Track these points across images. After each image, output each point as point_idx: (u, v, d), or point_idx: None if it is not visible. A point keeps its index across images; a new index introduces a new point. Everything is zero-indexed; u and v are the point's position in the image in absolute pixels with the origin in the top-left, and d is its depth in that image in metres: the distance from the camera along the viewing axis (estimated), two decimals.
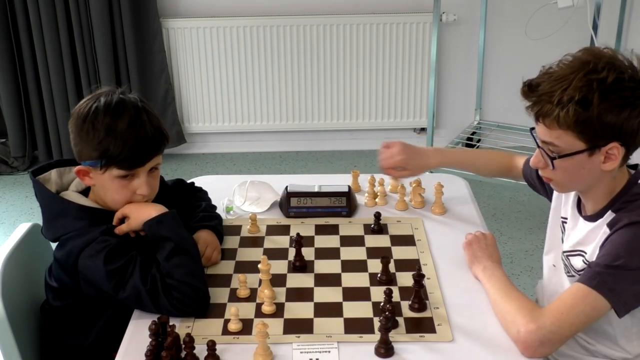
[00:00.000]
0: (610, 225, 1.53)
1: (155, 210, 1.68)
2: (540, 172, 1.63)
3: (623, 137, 1.47)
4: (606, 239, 1.52)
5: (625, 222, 1.49)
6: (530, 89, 1.52)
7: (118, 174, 1.66)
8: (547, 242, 1.78)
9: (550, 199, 1.85)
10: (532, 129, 1.59)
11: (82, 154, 1.67)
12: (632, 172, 1.60)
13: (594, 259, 1.54)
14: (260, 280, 1.66)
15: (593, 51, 1.50)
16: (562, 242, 1.70)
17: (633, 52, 1.51)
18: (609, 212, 1.56)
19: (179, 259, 1.62)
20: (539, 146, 1.56)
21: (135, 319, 1.60)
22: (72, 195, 1.74)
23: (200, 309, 1.61)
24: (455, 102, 4.32)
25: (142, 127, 1.66)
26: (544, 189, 1.86)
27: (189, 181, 2.02)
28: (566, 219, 1.70)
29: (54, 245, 1.77)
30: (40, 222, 1.79)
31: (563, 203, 1.72)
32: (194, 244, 1.68)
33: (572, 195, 1.69)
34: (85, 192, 1.78)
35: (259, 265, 1.65)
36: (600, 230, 1.56)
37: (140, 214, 1.68)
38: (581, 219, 1.64)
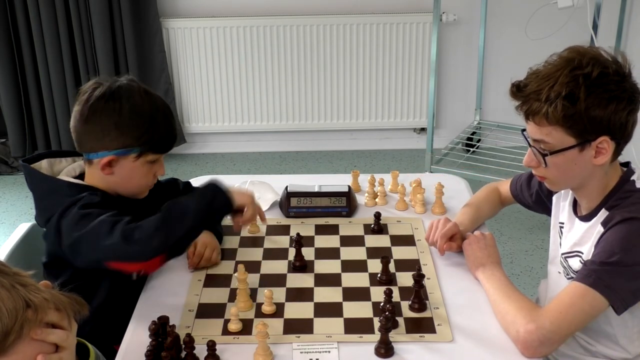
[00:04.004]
0: (604, 223, 1.54)
1: (236, 195, 1.64)
2: (533, 171, 1.64)
3: (612, 130, 1.49)
4: (601, 237, 1.53)
5: (619, 219, 1.50)
6: (518, 89, 1.55)
7: (152, 158, 1.72)
8: (550, 251, 1.78)
9: (542, 208, 1.86)
10: (523, 130, 1.61)
11: (110, 144, 1.67)
12: (624, 169, 1.61)
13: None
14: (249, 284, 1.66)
15: (577, 49, 1.53)
16: (560, 246, 1.71)
17: (617, 50, 1.54)
18: (603, 210, 1.57)
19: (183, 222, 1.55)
20: (530, 145, 1.58)
21: (135, 319, 1.61)
22: (62, 177, 1.75)
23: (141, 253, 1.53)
24: (455, 102, 4.32)
25: (170, 112, 1.76)
26: (536, 204, 1.87)
27: (184, 181, 2.01)
28: (563, 223, 1.71)
29: None
30: None
31: (560, 210, 1.73)
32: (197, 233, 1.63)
33: (568, 199, 1.70)
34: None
35: (236, 274, 1.62)
36: (595, 229, 1.57)
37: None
38: (577, 219, 1.65)
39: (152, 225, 1.53)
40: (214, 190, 1.61)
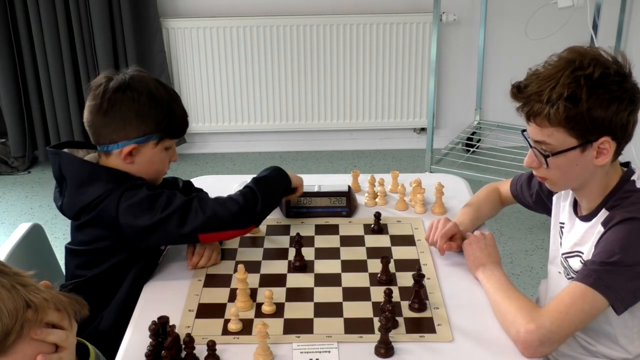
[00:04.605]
0: (604, 223, 1.54)
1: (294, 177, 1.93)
2: (534, 172, 1.64)
3: (613, 131, 1.49)
4: (601, 237, 1.53)
5: (619, 219, 1.50)
6: (519, 90, 1.54)
7: (169, 144, 1.79)
8: (550, 251, 1.78)
9: (542, 208, 1.86)
10: (524, 130, 1.61)
11: (131, 133, 1.72)
12: (625, 169, 1.61)
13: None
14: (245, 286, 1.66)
15: (577, 50, 1.52)
16: (561, 246, 1.71)
17: (617, 50, 1.54)
18: (603, 210, 1.57)
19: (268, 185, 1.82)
20: (531, 146, 1.57)
21: (135, 319, 1.61)
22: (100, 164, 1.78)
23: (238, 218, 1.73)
24: (455, 102, 4.32)
25: (179, 98, 1.83)
26: (536, 204, 1.87)
27: (185, 180, 2.02)
28: (563, 223, 1.71)
29: (57, 242, 1.77)
30: (40, 221, 1.79)
31: (561, 210, 1.73)
32: (277, 203, 1.90)
33: (568, 199, 1.70)
34: None
35: (236, 274, 1.63)
36: (595, 229, 1.57)
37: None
38: (577, 220, 1.65)
39: (250, 197, 1.74)
40: (284, 174, 1.90)
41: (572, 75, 1.47)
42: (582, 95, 1.45)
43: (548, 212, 1.80)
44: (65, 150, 1.79)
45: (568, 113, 1.46)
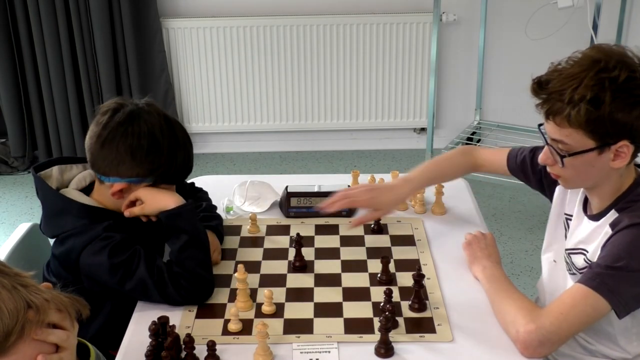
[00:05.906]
0: (612, 225, 1.52)
1: (172, 201, 1.68)
2: (548, 169, 1.61)
3: (633, 135, 1.47)
4: (608, 240, 1.52)
5: (627, 223, 1.49)
6: (540, 86, 1.50)
7: (164, 187, 1.71)
8: (546, 239, 1.77)
9: (541, 191, 1.83)
10: (540, 125, 1.57)
11: (124, 172, 1.65)
12: (639, 170, 1.60)
13: (595, 258, 1.54)
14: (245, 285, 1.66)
15: (603, 49, 1.49)
16: (566, 238, 1.70)
17: None
18: (613, 211, 1.55)
19: (192, 251, 1.64)
20: (547, 143, 1.55)
21: (135, 319, 1.61)
22: (73, 193, 1.74)
23: (205, 296, 1.64)
24: (455, 102, 4.32)
25: (190, 145, 1.74)
26: (536, 181, 1.82)
27: (188, 181, 2.02)
28: (571, 216, 1.69)
29: (52, 242, 1.77)
30: (39, 221, 1.78)
31: (568, 200, 1.71)
32: (206, 235, 1.71)
33: (579, 193, 1.67)
34: (85, 190, 1.77)
35: (236, 274, 1.63)
36: (602, 229, 1.56)
37: (157, 201, 1.68)
38: (585, 218, 1.64)
39: (198, 270, 1.63)
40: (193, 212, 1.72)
41: (597, 77, 1.43)
42: (606, 99, 1.42)
43: (545, 194, 1.79)
44: (56, 167, 1.76)
45: (589, 116, 1.43)
